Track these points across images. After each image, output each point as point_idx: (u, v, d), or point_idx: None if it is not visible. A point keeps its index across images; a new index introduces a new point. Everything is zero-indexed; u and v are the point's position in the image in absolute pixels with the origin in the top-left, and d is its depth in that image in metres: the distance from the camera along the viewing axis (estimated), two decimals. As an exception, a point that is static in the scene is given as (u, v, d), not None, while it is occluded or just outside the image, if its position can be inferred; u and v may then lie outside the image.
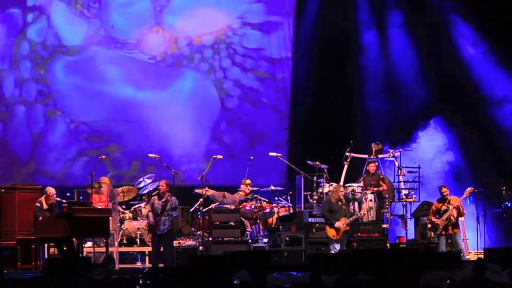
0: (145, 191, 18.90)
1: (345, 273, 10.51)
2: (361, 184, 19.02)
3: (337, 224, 17.12)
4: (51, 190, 16.87)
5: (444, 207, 17.61)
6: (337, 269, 11.62)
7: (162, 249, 17.13)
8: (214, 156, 19.11)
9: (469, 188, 17.88)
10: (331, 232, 17.21)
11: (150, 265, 17.29)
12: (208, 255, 17.04)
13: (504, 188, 20.36)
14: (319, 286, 10.02)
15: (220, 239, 17.93)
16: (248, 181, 19.17)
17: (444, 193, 17.64)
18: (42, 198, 16.79)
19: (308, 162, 19.34)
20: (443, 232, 17.67)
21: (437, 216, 17.65)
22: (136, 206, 18.85)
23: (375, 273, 10.54)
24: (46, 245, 17.02)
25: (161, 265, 16.97)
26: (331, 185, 18.62)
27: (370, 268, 11.59)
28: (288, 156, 21.42)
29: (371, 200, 18.67)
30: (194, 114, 21.92)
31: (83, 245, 17.08)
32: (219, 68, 22.10)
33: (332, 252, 16.99)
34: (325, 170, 19.18)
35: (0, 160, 20.73)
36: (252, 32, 22.29)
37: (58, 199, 16.92)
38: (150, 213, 17.21)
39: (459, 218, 17.66)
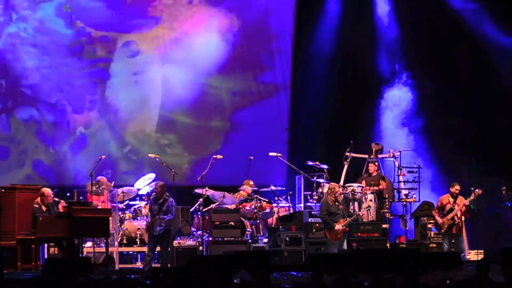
0: (145, 191, 18.89)
1: (345, 273, 10.51)
2: (362, 184, 19.02)
3: (337, 227, 17.10)
4: (47, 191, 16.86)
5: (450, 206, 17.59)
6: (337, 269, 11.61)
7: (158, 249, 17.12)
8: (214, 156, 19.12)
9: (477, 190, 17.80)
10: (331, 235, 17.20)
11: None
12: (208, 255, 17.05)
13: (504, 188, 20.35)
14: (320, 286, 10.01)
15: (220, 239, 17.93)
16: (251, 182, 19.18)
17: (456, 191, 17.59)
18: (39, 199, 16.76)
19: (308, 162, 19.35)
20: (447, 232, 17.64)
21: (440, 213, 17.64)
22: (136, 206, 18.86)
23: (375, 273, 10.54)
24: (46, 245, 17.03)
25: (157, 265, 16.98)
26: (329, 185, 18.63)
27: (370, 268, 11.60)
28: (288, 156, 21.42)
29: (371, 200, 18.67)
30: (194, 113, 21.93)
31: (83, 245, 17.08)
32: (218, 66, 22.11)
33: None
34: (325, 170, 19.20)
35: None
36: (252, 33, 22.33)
37: (57, 199, 16.90)
38: (149, 212, 17.21)
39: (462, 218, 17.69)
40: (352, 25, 22.14)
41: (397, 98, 21.95)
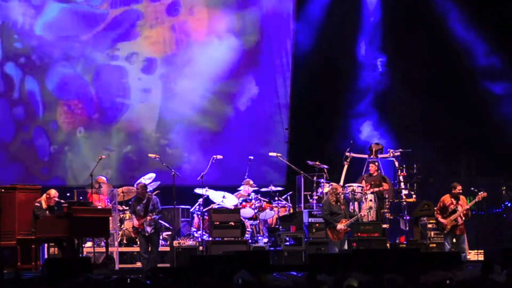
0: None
1: (344, 273, 10.51)
2: (362, 184, 19.02)
3: (339, 226, 17.11)
4: (53, 192, 16.86)
5: (452, 207, 17.52)
6: (337, 269, 11.62)
7: (149, 249, 17.15)
8: (214, 156, 19.10)
9: (482, 193, 17.73)
10: (332, 235, 17.20)
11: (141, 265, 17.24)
12: (208, 255, 17.05)
13: (504, 188, 20.35)
14: (316, 286, 10.01)
15: (220, 239, 17.93)
16: (251, 182, 19.17)
17: (458, 191, 17.53)
18: (43, 198, 16.77)
19: (308, 162, 19.35)
20: (450, 232, 17.58)
21: (442, 213, 17.57)
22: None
23: (375, 273, 10.54)
24: (46, 245, 17.02)
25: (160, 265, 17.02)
26: (331, 185, 18.62)
27: (370, 268, 11.60)
28: (288, 156, 21.41)
29: (371, 200, 18.67)
30: (194, 113, 21.93)
31: (83, 245, 17.08)
32: (218, 66, 22.10)
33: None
34: (325, 170, 19.19)
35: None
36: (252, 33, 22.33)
37: (56, 199, 16.90)
38: (133, 215, 17.18)
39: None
40: (344, 12, 22.15)
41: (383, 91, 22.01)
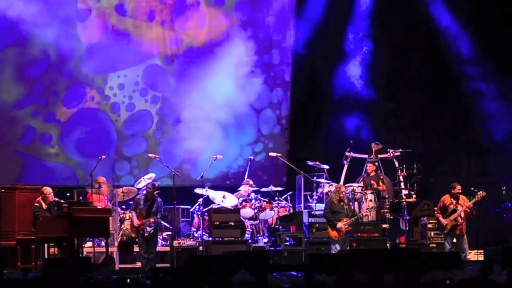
0: (144, 191, 18.86)
1: (344, 273, 10.52)
2: (361, 184, 19.03)
3: (339, 225, 17.14)
4: (47, 190, 16.88)
5: (452, 206, 17.54)
6: (337, 269, 11.62)
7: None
8: (214, 156, 19.11)
9: (481, 193, 17.76)
10: (333, 233, 17.22)
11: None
12: (208, 255, 17.06)
13: (504, 188, 20.35)
14: (314, 286, 10.02)
15: (220, 239, 17.94)
16: (251, 182, 19.18)
17: (458, 191, 17.55)
18: (40, 198, 16.79)
19: (308, 162, 19.35)
20: (450, 232, 17.59)
21: (442, 213, 17.57)
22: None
23: (375, 273, 10.54)
24: (46, 245, 17.03)
25: (160, 265, 17.02)
26: (331, 185, 18.63)
27: (370, 268, 11.60)
28: (288, 156, 21.41)
29: (371, 200, 18.68)
30: (194, 114, 21.92)
31: (83, 245, 17.08)
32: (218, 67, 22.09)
33: (333, 252, 17.02)
34: (325, 170, 19.20)
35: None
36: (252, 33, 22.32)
37: (56, 199, 16.91)
38: (133, 212, 17.20)
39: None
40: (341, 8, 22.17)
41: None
